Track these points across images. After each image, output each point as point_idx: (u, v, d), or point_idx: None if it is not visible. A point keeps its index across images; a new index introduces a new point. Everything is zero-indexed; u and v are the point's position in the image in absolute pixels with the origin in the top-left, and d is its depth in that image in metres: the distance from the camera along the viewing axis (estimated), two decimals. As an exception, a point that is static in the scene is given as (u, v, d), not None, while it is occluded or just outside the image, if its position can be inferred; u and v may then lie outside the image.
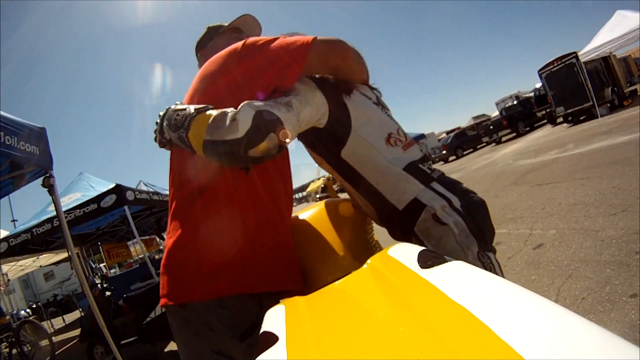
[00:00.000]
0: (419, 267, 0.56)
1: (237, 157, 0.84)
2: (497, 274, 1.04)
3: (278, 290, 0.93)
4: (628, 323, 1.97)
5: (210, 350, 0.87)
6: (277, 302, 0.75)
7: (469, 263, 0.92)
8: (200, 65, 1.24)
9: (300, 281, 1.01)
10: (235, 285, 0.89)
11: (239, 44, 0.98)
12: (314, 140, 1.14)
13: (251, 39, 0.98)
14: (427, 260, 0.58)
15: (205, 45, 1.28)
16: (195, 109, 0.90)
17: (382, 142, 1.08)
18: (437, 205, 1.04)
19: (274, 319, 0.61)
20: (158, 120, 1.01)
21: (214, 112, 0.87)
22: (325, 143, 1.11)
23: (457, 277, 0.49)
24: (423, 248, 0.64)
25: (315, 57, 0.95)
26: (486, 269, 0.98)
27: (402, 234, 1.12)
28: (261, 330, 0.59)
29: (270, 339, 0.52)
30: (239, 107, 0.85)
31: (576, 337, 0.30)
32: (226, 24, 1.30)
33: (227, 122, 0.84)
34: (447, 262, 0.54)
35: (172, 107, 0.98)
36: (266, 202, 1.00)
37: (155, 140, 1.04)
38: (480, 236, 1.05)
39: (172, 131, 0.92)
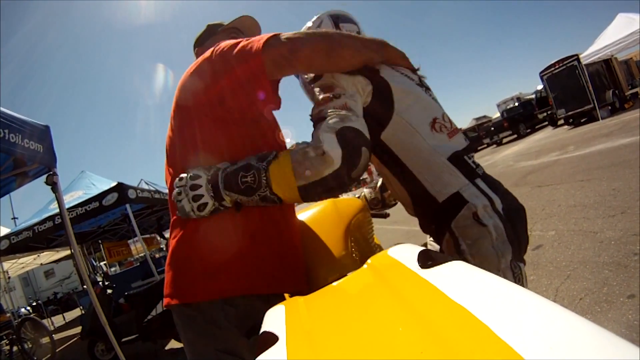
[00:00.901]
0: (419, 267, 0.57)
1: (343, 186, 0.82)
2: (523, 286, 0.97)
3: (282, 292, 0.94)
4: (625, 323, 1.98)
5: (216, 349, 0.86)
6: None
7: (501, 270, 0.97)
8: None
9: (304, 282, 1.00)
10: (240, 286, 0.89)
11: (209, 51, 0.97)
12: None
13: (221, 44, 0.96)
14: (427, 260, 0.58)
15: (203, 43, 1.28)
16: (265, 163, 0.85)
17: (426, 126, 1.02)
18: (480, 204, 0.99)
19: (274, 319, 0.61)
20: (185, 191, 0.89)
21: (288, 156, 0.83)
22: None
23: (457, 277, 0.49)
24: (423, 248, 0.64)
25: (276, 61, 0.90)
26: (515, 280, 0.99)
27: (435, 227, 1.08)
28: (261, 330, 0.60)
29: (270, 339, 0.52)
30: (318, 135, 0.82)
31: (576, 337, 0.30)
32: (226, 23, 1.30)
33: (316, 158, 0.80)
34: (447, 262, 0.54)
35: (221, 168, 0.90)
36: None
37: (190, 214, 0.89)
38: (516, 244, 0.99)
39: (247, 196, 0.86)
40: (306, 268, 1.03)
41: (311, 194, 0.83)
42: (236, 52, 0.91)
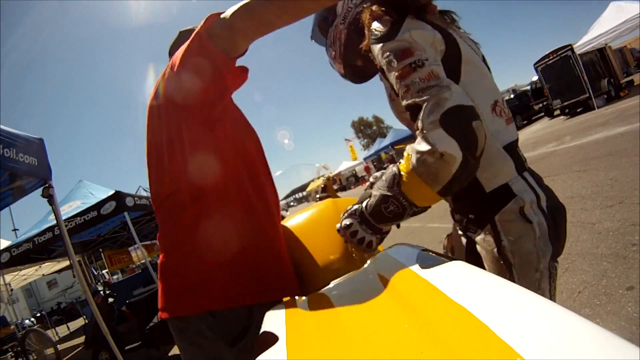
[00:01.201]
0: (419, 267, 0.57)
1: (476, 167, 0.81)
2: (554, 286, 1.00)
3: (268, 301, 0.93)
4: (625, 316, 1.97)
5: (205, 358, 0.90)
6: (269, 309, 0.77)
7: (539, 271, 0.95)
8: None
9: (293, 288, 1.00)
10: (223, 299, 0.91)
11: (167, 66, 0.97)
12: None
13: (174, 56, 0.97)
14: (427, 260, 0.58)
15: (175, 51, 1.26)
16: (396, 187, 0.84)
17: (488, 108, 0.95)
18: (527, 199, 0.93)
19: (274, 319, 0.62)
20: (349, 239, 0.93)
21: (412, 174, 0.81)
22: None
23: (457, 277, 0.49)
24: (423, 248, 0.64)
25: (222, 40, 0.90)
26: (550, 281, 0.97)
27: (475, 217, 1.01)
28: (261, 330, 0.60)
29: (270, 339, 0.53)
30: (426, 136, 0.78)
31: (576, 337, 0.30)
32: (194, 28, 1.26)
33: (437, 163, 0.77)
34: (447, 262, 0.54)
35: (358, 211, 0.93)
36: (259, 210, 1.01)
37: (366, 251, 0.94)
38: (556, 244, 0.96)
39: (400, 219, 0.87)
40: (294, 274, 1.03)
41: (454, 189, 0.82)
42: (193, 56, 0.91)
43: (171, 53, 1.26)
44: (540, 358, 0.29)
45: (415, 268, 0.57)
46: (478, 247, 1.03)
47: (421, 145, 0.80)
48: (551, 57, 13.32)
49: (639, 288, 2.15)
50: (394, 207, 0.85)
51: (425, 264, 0.56)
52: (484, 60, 1.05)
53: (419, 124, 0.81)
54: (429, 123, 0.79)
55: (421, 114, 0.81)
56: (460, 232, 1.20)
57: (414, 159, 0.81)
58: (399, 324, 0.45)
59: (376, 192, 0.89)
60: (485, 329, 0.35)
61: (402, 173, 0.84)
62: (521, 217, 0.93)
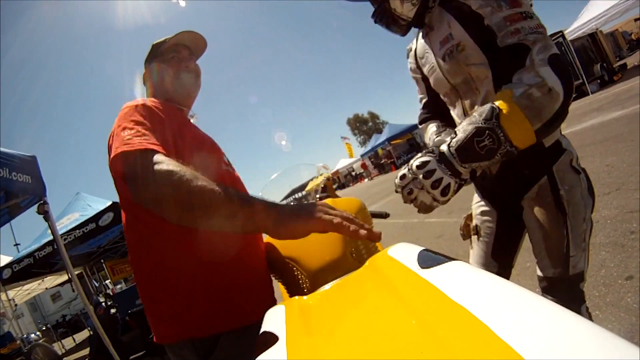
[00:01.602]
0: (419, 267, 0.57)
1: (566, 114, 0.89)
2: (588, 243, 1.10)
3: (249, 324, 0.95)
4: (624, 307, 1.94)
5: None
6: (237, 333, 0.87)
7: (585, 220, 1.08)
8: (143, 81, 1.28)
9: (264, 305, 1.01)
10: (204, 327, 0.93)
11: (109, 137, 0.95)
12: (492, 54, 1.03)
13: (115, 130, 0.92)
14: (427, 260, 0.58)
15: (149, 64, 1.25)
16: (494, 119, 0.85)
17: None
18: (574, 154, 1.08)
19: (274, 319, 0.61)
20: (417, 183, 0.91)
21: (513, 104, 0.84)
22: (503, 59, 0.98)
23: (457, 277, 0.49)
24: (423, 248, 0.64)
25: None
26: (588, 233, 1.09)
27: (530, 172, 1.10)
28: (261, 330, 0.60)
29: (270, 339, 0.53)
30: (536, 71, 0.85)
31: (576, 337, 0.30)
32: (166, 40, 1.22)
33: (544, 97, 0.83)
34: (447, 262, 0.54)
35: (438, 147, 0.94)
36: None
37: (433, 205, 0.94)
38: (592, 196, 1.09)
39: (489, 159, 0.87)
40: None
41: (547, 132, 0.89)
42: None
43: (145, 65, 1.28)
44: (540, 358, 0.29)
45: (415, 268, 0.57)
46: (526, 205, 1.13)
47: (530, 78, 0.86)
48: (543, 45, 13.31)
49: (638, 277, 2.12)
50: (488, 142, 0.85)
51: (425, 264, 0.56)
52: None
53: (529, 60, 0.88)
54: (540, 60, 0.86)
55: (533, 51, 0.89)
56: (487, 209, 1.28)
57: (518, 92, 0.85)
58: (398, 324, 0.45)
59: (467, 126, 0.88)
60: (485, 329, 0.35)
61: (499, 106, 0.85)
62: (572, 169, 1.06)
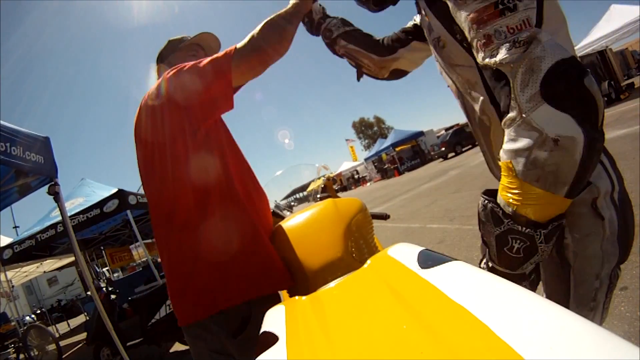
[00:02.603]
0: (419, 267, 0.57)
1: (601, 142, 0.60)
2: (610, 298, 0.86)
3: (263, 294, 1.02)
4: (618, 315, 2.01)
5: (209, 349, 1.00)
6: (266, 301, 0.89)
7: (599, 279, 0.80)
8: (158, 77, 1.26)
9: (287, 279, 1.06)
10: (221, 302, 0.99)
11: (167, 72, 1.04)
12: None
13: (179, 65, 1.04)
14: (427, 260, 0.58)
15: (164, 59, 1.29)
16: (504, 219, 0.68)
17: None
18: (603, 189, 0.75)
19: (274, 319, 0.62)
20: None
21: (530, 187, 0.62)
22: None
23: (457, 277, 0.49)
24: (423, 248, 0.63)
25: (240, 65, 1.02)
26: (608, 291, 0.84)
27: None
28: (261, 330, 0.60)
29: (270, 339, 0.53)
30: (524, 117, 0.59)
31: (576, 337, 0.30)
32: (184, 38, 1.31)
33: (552, 156, 0.58)
34: (447, 262, 0.54)
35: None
36: (248, 210, 1.08)
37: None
38: (623, 247, 0.79)
39: (525, 260, 0.70)
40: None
41: (584, 181, 0.63)
42: (202, 73, 1.00)
43: (158, 61, 1.32)
44: (540, 358, 0.29)
45: (415, 268, 0.57)
46: None
47: (522, 141, 0.60)
48: (552, 60, 13.31)
49: (632, 288, 2.20)
50: (519, 244, 0.67)
51: (425, 264, 0.56)
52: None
53: (513, 103, 0.60)
54: (527, 101, 0.58)
55: (513, 88, 0.60)
56: None
57: (519, 166, 0.61)
58: (398, 324, 0.45)
59: (488, 239, 0.73)
60: (485, 329, 0.36)
61: (503, 194, 0.67)
62: (593, 211, 0.75)
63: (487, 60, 0.64)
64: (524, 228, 0.66)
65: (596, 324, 0.73)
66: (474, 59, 0.72)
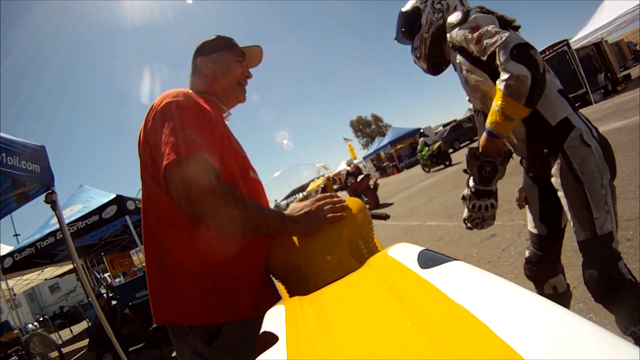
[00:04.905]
0: (419, 267, 0.57)
1: (543, 83, 1.19)
2: (614, 204, 1.30)
3: (243, 319, 1.01)
4: None
5: (190, 351, 1.03)
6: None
7: (604, 186, 1.27)
8: (195, 68, 1.24)
9: (270, 299, 1.08)
10: (198, 318, 1.00)
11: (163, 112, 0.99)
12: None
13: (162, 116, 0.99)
14: (427, 260, 0.58)
15: (208, 54, 1.23)
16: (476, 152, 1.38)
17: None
18: (583, 129, 1.27)
19: (274, 319, 0.62)
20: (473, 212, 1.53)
21: (502, 93, 1.19)
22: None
23: (457, 277, 0.49)
24: (423, 248, 0.64)
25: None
26: (613, 198, 1.29)
27: (549, 150, 1.33)
28: (261, 330, 0.60)
29: (270, 339, 0.53)
30: (506, 68, 1.18)
31: (576, 337, 0.30)
32: (232, 40, 1.27)
33: (517, 83, 1.15)
34: (447, 262, 0.54)
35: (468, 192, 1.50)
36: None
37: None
38: (610, 165, 1.28)
39: (492, 178, 1.41)
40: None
41: (534, 99, 1.18)
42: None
43: (200, 53, 1.24)
44: (540, 358, 0.30)
45: (415, 268, 0.57)
46: (553, 179, 1.35)
47: (503, 76, 1.19)
48: (547, 53, 13.32)
49: (633, 282, 2.19)
50: (489, 167, 1.36)
51: (425, 264, 0.57)
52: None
53: (498, 62, 1.21)
54: (504, 60, 1.18)
55: (497, 55, 1.20)
56: (531, 183, 1.58)
57: (502, 86, 1.19)
58: (399, 324, 0.45)
59: (472, 171, 1.43)
60: (485, 329, 0.36)
61: (498, 103, 1.22)
62: (582, 143, 1.26)
63: (485, 57, 1.28)
64: (490, 158, 1.34)
65: (615, 225, 1.15)
66: (487, 73, 1.36)
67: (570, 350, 0.29)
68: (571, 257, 2.79)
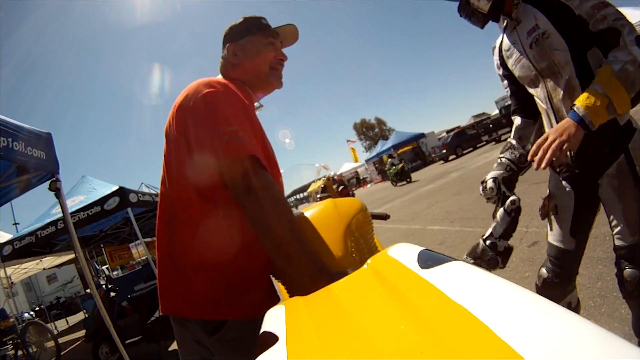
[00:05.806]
0: (419, 267, 0.57)
1: None
2: None
3: (245, 319, 1.02)
4: (618, 317, 2.01)
5: (191, 339, 1.03)
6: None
7: None
8: (224, 56, 1.16)
9: (272, 300, 1.09)
10: (202, 313, 1.01)
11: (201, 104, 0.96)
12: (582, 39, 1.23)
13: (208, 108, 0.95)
14: (427, 260, 0.58)
15: (238, 39, 1.14)
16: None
17: None
18: None
19: (274, 319, 0.62)
20: None
21: (612, 73, 1.09)
22: (584, 41, 1.23)
23: (457, 277, 0.49)
24: (423, 248, 0.64)
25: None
26: None
27: (609, 149, 1.26)
28: (261, 330, 0.60)
29: (270, 339, 0.53)
30: (630, 50, 1.09)
31: (576, 337, 0.30)
32: (262, 19, 1.17)
33: (637, 70, 1.07)
34: (447, 262, 0.54)
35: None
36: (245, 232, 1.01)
37: None
38: None
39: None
40: (275, 292, 1.11)
41: (638, 100, 1.14)
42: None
43: (229, 39, 1.17)
44: (540, 358, 0.30)
45: (415, 268, 0.57)
46: (605, 180, 1.29)
47: (621, 55, 1.09)
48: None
49: (632, 291, 2.19)
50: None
51: (425, 264, 0.56)
52: None
53: (622, 41, 1.11)
54: (630, 40, 1.09)
55: (624, 33, 1.12)
56: (567, 189, 1.43)
57: (617, 67, 1.09)
58: (398, 324, 0.45)
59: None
60: (485, 329, 0.36)
61: (602, 89, 1.10)
62: None
63: (601, 26, 1.16)
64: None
65: None
66: (568, 45, 1.24)
67: (570, 350, 0.29)
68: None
